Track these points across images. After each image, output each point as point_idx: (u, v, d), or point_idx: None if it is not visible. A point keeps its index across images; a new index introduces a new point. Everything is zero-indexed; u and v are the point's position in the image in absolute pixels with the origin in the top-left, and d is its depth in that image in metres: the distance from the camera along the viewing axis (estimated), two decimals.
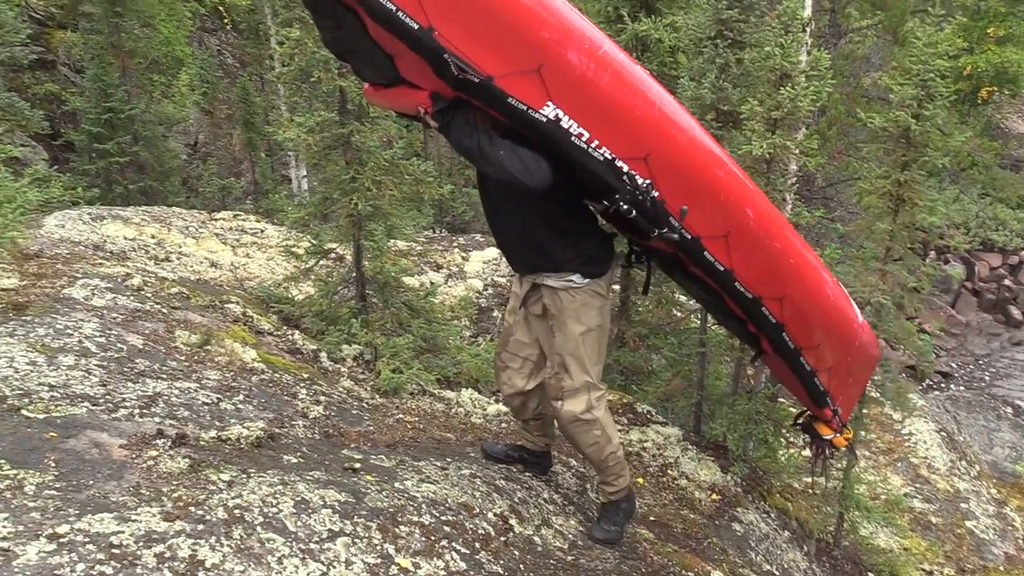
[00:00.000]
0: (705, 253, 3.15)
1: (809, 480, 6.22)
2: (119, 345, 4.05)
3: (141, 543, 2.34)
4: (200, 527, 2.50)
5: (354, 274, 5.74)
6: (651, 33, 6.26)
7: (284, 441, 3.60)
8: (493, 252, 9.49)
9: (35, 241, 5.95)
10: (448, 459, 3.89)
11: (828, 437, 4.23)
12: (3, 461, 2.64)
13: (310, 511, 2.80)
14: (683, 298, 6.38)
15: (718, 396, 5.55)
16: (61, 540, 2.26)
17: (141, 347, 4.14)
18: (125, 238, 6.95)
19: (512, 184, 2.92)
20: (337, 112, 5.34)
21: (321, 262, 6.05)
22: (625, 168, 2.85)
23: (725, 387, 5.65)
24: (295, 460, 3.35)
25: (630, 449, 5.04)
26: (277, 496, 2.83)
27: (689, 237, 3.08)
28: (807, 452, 7.74)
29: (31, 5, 15.67)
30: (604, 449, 3.43)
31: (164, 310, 4.82)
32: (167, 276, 5.80)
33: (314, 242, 5.84)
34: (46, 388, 3.28)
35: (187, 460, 2.97)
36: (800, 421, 4.35)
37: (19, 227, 4.74)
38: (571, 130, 2.76)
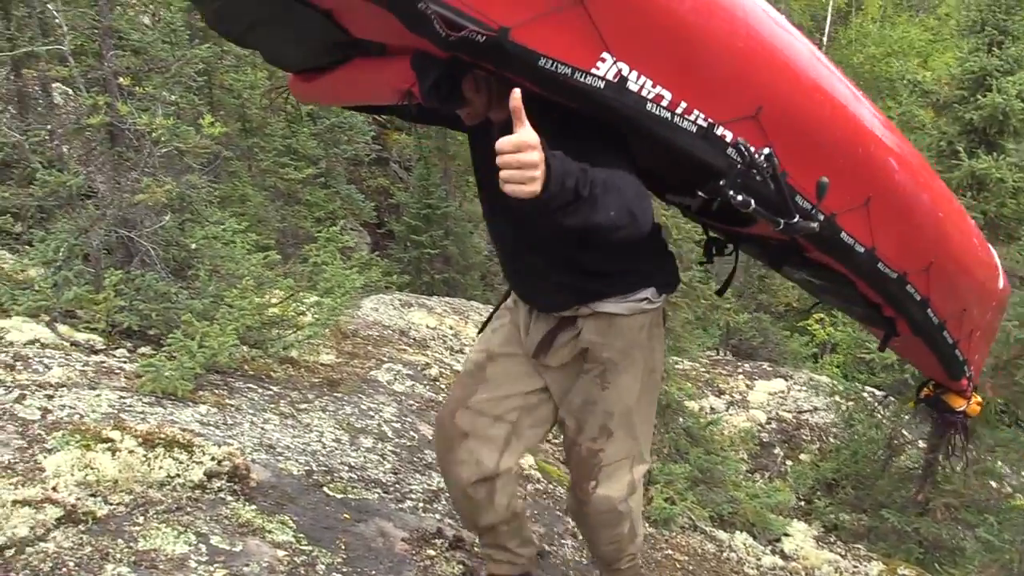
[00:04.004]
0: (843, 234, 2.23)
1: None
2: (412, 433, 4.26)
3: None
4: None
5: None
6: (991, 172, 5.70)
7: (552, 560, 3.52)
8: (780, 384, 8.99)
9: (353, 321, 6.54)
10: None
11: (961, 409, 3.32)
12: (303, 536, 2.81)
13: None
14: (1009, 470, 5.55)
15: None
16: None
17: (431, 438, 4.32)
18: (427, 326, 7.45)
19: (614, 237, 1.84)
20: None
21: None
22: (729, 137, 1.91)
23: None
24: None
25: None
26: None
27: (822, 218, 2.13)
28: None
29: None
30: (624, 548, 2.58)
31: None
32: (460, 369, 6.09)
33: None
34: (346, 468, 3.50)
35: (460, 566, 2.99)
36: (925, 396, 3.44)
37: (344, 310, 5.22)
38: (644, 93, 1.80)
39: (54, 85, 6.64)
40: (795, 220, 1.96)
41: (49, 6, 5.62)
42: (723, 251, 2.64)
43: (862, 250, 2.29)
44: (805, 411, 8.33)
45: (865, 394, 6.75)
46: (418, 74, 1.82)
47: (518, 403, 2.39)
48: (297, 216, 9.22)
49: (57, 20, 5.54)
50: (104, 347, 4.13)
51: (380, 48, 1.93)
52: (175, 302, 4.55)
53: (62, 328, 4.18)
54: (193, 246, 5.00)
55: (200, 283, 4.74)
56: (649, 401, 2.44)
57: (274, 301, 4.94)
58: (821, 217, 2.10)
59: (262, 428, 3.62)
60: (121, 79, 4.93)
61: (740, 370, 9.53)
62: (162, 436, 2.94)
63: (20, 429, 2.95)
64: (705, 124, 1.87)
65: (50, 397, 3.24)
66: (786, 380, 9.19)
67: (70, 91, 7.02)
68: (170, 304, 4.51)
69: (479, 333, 2.64)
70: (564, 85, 1.72)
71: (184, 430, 3.22)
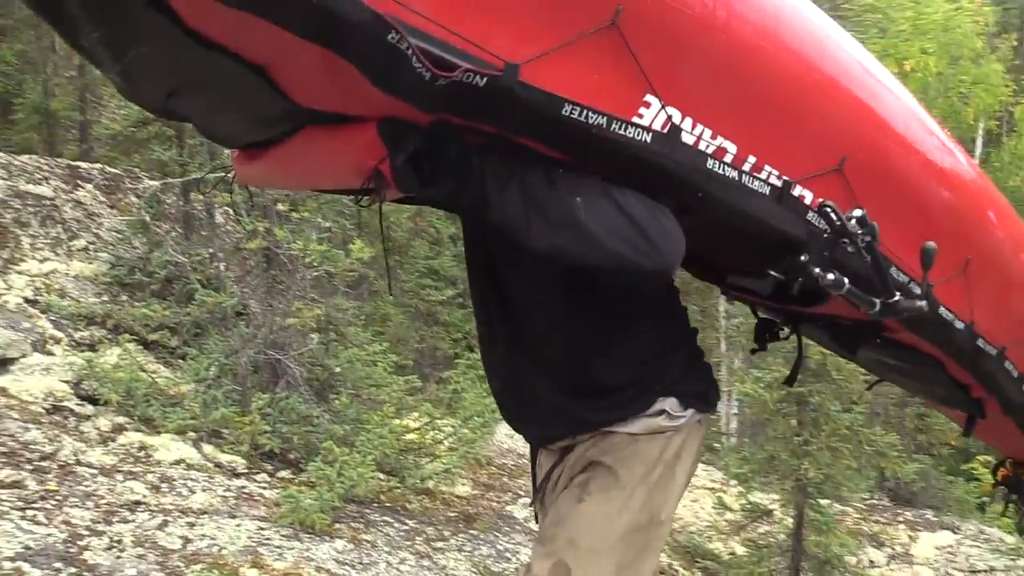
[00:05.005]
0: (941, 310, 1.73)
1: None
2: None
3: None
4: None
5: (791, 543, 5.18)
6: None
7: None
8: (948, 536, 8.11)
9: (487, 448, 6.36)
10: None
11: None
12: None
13: None
14: None
15: None
16: None
17: None
18: None
19: (616, 274, 1.36)
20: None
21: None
22: (809, 197, 1.44)
23: None
24: None
25: None
26: None
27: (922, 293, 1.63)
28: None
29: None
30: None
31: None
32: None
33: (750, 500, 5.43)
34: None
35: None
36: (1004, 478, 2.79)
37: (482, 440, 5.08)
38: (703, 146, 1.31)
39: (218, 208, 7.01)
40: (895, 299, 1.49)
41: None
42: (778, 336, 2.05)
43: (962, 326, 1.81)
44: (980, 571, 7.44)
45: None
46: (389, 145, 1.25)
47: None
48: (435, 337, 9.26)
49: (225, 150, 5.88)
50: (246, 470, 4.11)
51: (337, 116, 1.35)
52: (316, 425, 4.52)
53: (207, 448, 4.20)
54: (337, 369, 5.02)
55: (341, 405, 4.72)
56: (635, 556, 1.59)
57: (412, 426, 4.85)
58: (919, 292, 1.60)
59: (398, 569, 3.44)
60: (280, 205, 5.13)
61: (900, 518, 8.69)
62: None
63: (161, 560, 2.89)
64: (779, 183, 1.40)
65: (192, 525, 3.20)
66: (954, 532, 8.29)
67: (231, 211, 7.42)
68: (311, 428, 4.48)
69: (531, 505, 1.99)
70: (597, 142, 1.21)
71: (320, 569, 3.09)
